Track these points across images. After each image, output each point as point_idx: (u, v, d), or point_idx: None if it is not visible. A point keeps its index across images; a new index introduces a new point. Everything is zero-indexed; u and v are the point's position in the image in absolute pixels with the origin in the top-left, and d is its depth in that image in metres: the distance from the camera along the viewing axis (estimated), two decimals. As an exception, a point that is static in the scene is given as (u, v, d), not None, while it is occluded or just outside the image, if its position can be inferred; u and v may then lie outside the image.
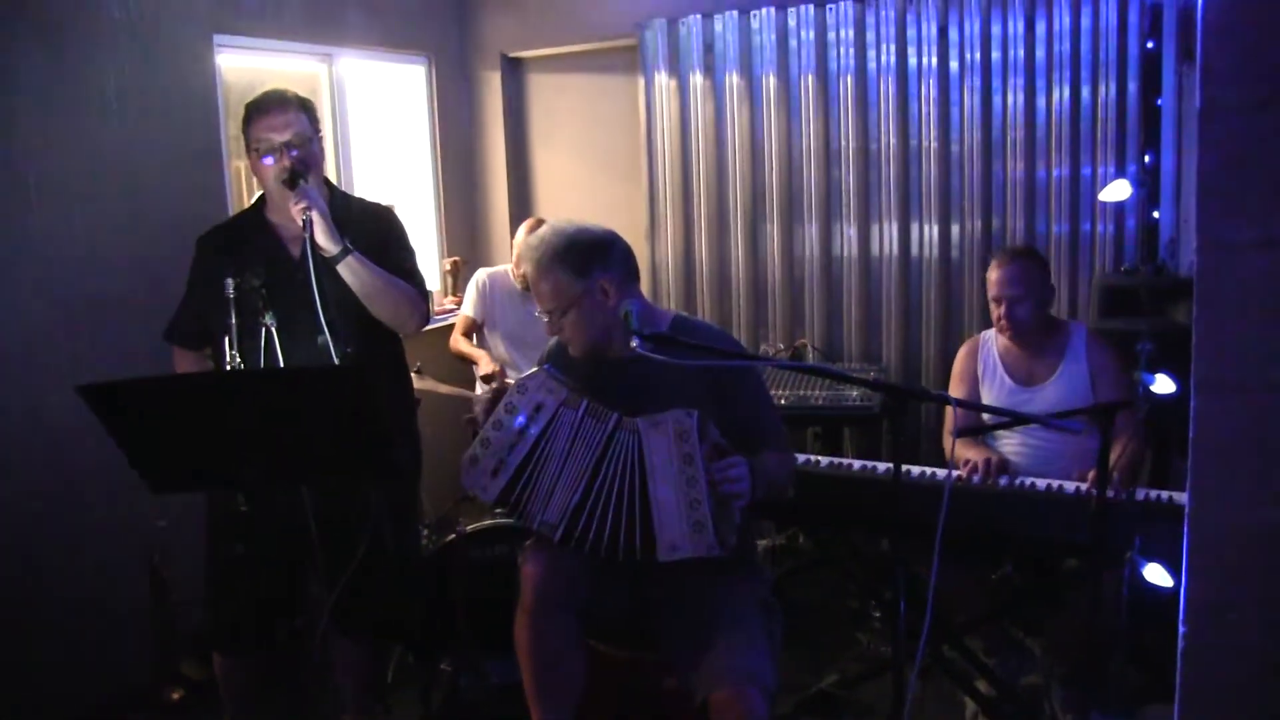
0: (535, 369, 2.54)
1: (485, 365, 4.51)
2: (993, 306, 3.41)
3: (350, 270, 2.78)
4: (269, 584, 2.78)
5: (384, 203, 3.23)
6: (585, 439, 2.44)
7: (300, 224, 2.71)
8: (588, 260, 2.51)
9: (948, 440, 3.60)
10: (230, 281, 2.69)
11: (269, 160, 2.78)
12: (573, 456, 2.44)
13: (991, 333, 3.56)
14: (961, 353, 3.64)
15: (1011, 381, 3.45)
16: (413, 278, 2.98)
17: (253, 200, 3.04)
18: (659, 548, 2.36)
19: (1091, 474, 3.02)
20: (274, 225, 2.90)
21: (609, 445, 2.41)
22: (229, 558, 2.82)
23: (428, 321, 3.10)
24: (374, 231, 2.97)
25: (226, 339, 2.68)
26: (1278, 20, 1.25)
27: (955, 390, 3.56)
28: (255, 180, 2.95)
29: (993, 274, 3.39)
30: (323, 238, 2.73)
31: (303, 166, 2.77)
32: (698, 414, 2.36)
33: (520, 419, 2.47)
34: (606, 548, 2.41)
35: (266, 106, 2.80)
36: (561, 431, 2.46)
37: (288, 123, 2.78)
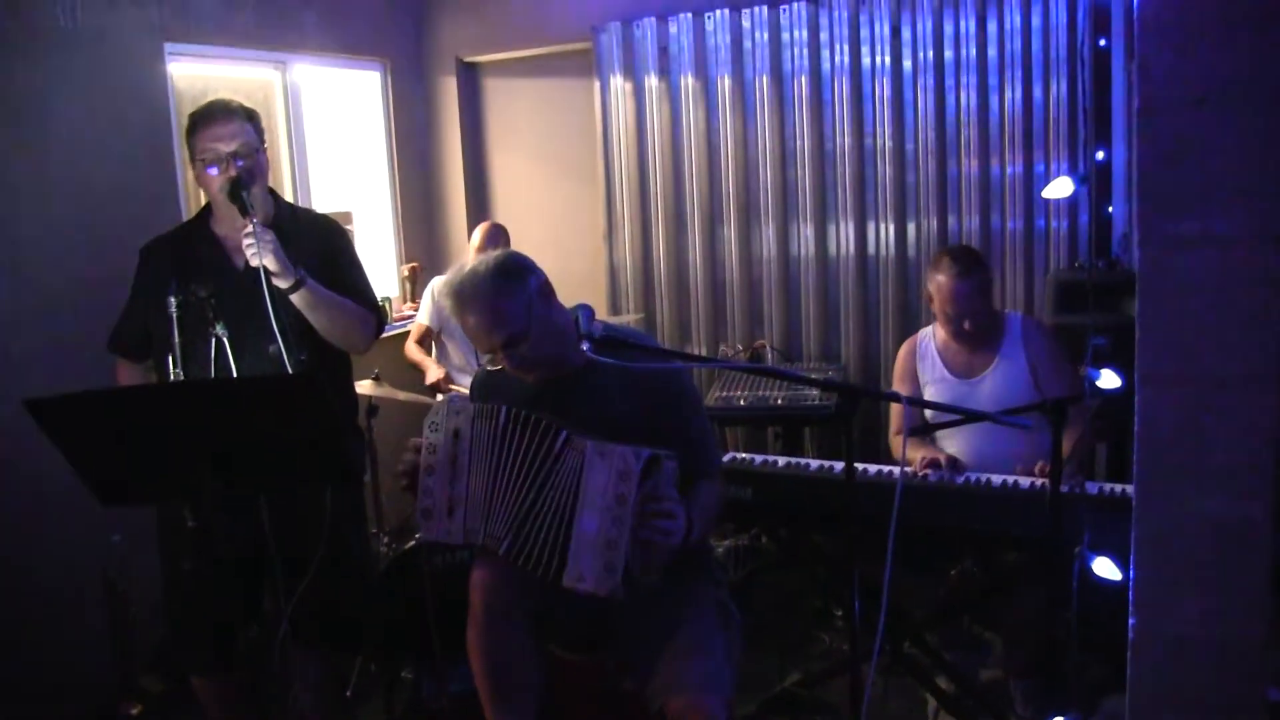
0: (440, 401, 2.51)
1: (432, 374, 4.52)
2: (947, 315, 3.36)
3: (303, 300, 2.74)
4: (223, 598, 2.76)
5: (331, 213, 3.18)
6: (518, 450, 2.38)
7: (255, 266, 2.65)
8: (517, 275, 2.45)
9: (895, 441, 3.61)
10: (173, 300, 2.63)
11: (214, 170, 2.74)
12: (505, 467, 2.39)
13: (930, 330, 3.57)
14: (901, 353, 3.64)
15: (951, 375, 3.46)
16: (364, 295, 2.94)
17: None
18: (566, 573, 2.30)
19: (1038, 466, 3.06)
20: (219, 236, 2.85)
21: (556, 463, 2.34)
22: (179, 574, 2.79)
23: (379, 335, 3.06)
24: (320, 245, 2.92)
25: (170, 357, 2.64)
26: (1210, 22, 1.28)
27: (898, 391, 3.53)
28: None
29: (948, 283, 3.31)
30: (279, 280, 2.68)
31: (249, 177, 2.73)
32: (648, 456, 2.27)
33: (444, 452, 2.44)
34: (523, 559, 2.36)
35: (212, 116, 2.76)
36: (483, 443, 2.41)
37: (233, 133, 2.74)
